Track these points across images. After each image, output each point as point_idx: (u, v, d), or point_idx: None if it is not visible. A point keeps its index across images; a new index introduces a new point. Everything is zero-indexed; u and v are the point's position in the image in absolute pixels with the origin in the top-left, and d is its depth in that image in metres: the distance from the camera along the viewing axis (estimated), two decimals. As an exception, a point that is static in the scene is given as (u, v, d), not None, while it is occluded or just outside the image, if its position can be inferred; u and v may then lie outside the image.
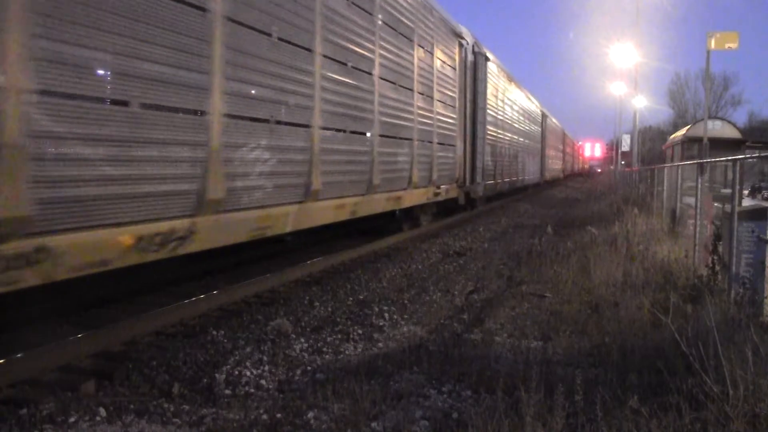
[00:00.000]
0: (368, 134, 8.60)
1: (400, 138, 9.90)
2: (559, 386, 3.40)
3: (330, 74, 7.25)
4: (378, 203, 9.05)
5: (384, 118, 9.09)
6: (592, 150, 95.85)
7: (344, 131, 7.83)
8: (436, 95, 11.99)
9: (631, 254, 8.49)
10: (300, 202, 6.67)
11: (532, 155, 28.22)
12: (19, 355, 4.23)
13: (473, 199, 16.28)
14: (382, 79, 9.00)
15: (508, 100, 21.54)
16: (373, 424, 3.55)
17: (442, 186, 12.46)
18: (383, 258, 9.64)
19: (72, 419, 3.62)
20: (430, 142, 11.61)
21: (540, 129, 31.99)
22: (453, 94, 13.43)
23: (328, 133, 7.29)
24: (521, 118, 24.90)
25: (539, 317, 6.03)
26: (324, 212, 7.28)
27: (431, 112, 11.66)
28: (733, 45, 16.34)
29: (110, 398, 3.94)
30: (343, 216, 7.85)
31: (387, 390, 4.02)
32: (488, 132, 16.80)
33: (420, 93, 10.92)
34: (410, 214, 12.15)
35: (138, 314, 5.44)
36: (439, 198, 12.48)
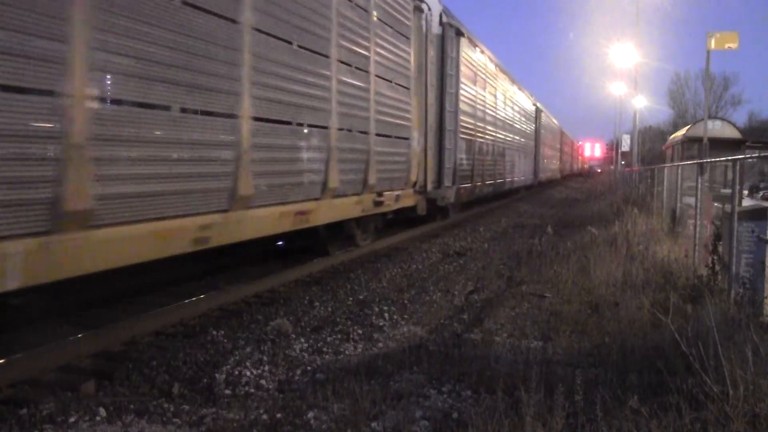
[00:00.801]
0: (235, 119, 5.55)
1: (302, 125, 6.77)
2: (559, 386, 3.40)
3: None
4: (257, 224, 5.94)
5: (265, 93, 5.98)
6: (592, 150, 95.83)
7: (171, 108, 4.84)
8: (375, 69, 8.74)
9: (631, 254, 8.49)
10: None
11: (523, 154, 25.55)
12: (19, 355, 4.24)
13: (444, 207, 13.60)
14: (258, 30, 5.78)
15: (492, 88, 18.31)
16: (373, 424, 3.55)
17: (387, 192, 9.24)
18: (383, 258, 9.64)
19: (72, 419, 3.62)
20: (365, 133, 8.46)
21: (533, 125, 29.30)
22: (405, 72, 10.09)
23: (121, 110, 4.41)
24: (510, 111, 22.06)
25: (539, 317, 6.03)
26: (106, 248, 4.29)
27: (365, 91, 8.47)
28: (733, 45, 16.33)
29: (110, 398, 3.94)
30: (175, 249, 4.94)
31: (387, 390, 4.02)
32: (463, 124, 14.12)
33: (343, 62, 7.69)
34: (342, 232, 8.99)
35: (138, 314, 5.44)
36: (384, 209, 9.34)
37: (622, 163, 53.19)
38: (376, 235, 10.37)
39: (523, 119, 25.73)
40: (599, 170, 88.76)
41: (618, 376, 4.06)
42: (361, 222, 9.35)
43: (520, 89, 24.92)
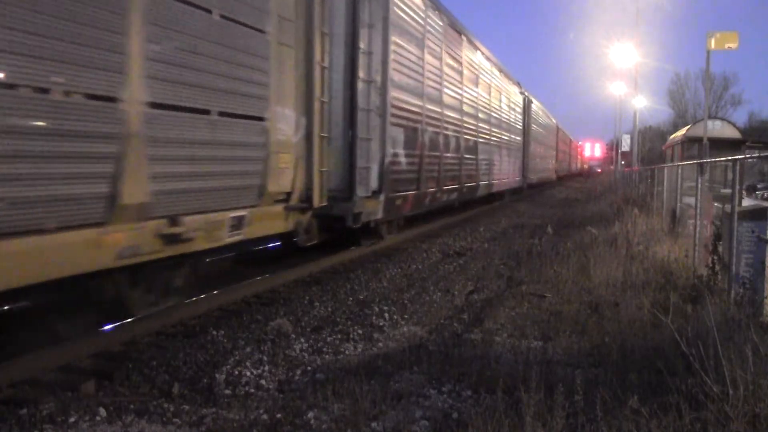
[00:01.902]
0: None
1: None
2: (559, 386, 3.40)
3: None
4: None
5: None
6: (592, 150, 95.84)
7: None
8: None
9: (631, 254, 8.49)
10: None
11: (507, 151, 20.81)
12: (19, 355, 4.24)
13: (369, 226, 9.05)
14: None
15: (454, 61, 13.42)
16: (373, 424, 3.55)
17: (200, 216, 5.15)
18: (383, 258, 9.64)
19: (72, 419, 3.62)
20: (107, 99, 4.23)
21: (521, 118, 24.44)
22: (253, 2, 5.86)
23: None
24: (485, 96, 17.03)
25: (539, 317, 6.03)
26: None
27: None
28: (733, 45, 16.33)
29: (110, 398, 3.94)
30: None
31: (387, 390, 4.01)
32: (399, 104, 9.54)
33: None
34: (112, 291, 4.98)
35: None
36: (187, 248, 5.06)
37: (622, 163, 53.19)
38: (180, 293, 5.65)
39: (507, 109, 20.92)
40: (599, 170, 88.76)
41: (618, 376, 4.06)
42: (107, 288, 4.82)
43: (501, 72, 19.95)
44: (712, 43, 16.29)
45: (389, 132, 9.24)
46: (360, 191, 8.26)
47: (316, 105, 6.97)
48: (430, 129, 11.59)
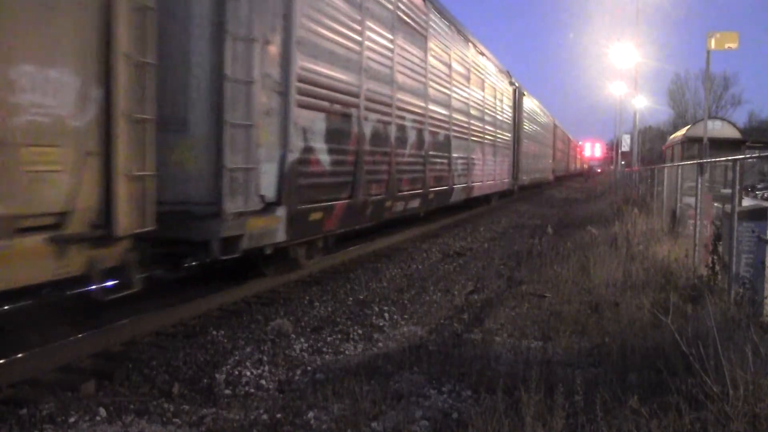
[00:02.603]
0: None
1: None
2: (559, 386, 3.40)
3: None
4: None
5: None
6: (592, 150, 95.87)
7: None
8: None
9: (631, 254, 8.49)
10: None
11: (491, 149, 17.47)
12: (19, 355, 4.24)
13: (267, 252, 6.33)
14: None
15: (417, 35, 10.40)
16: (373, 424, 3.55)
17: None
18: (383, 258, 9.64)
19: (72, 419, 3.62)
20: None
21: (511, 113, 21.29)
22: None
23: None
24: (462, 83, 13.87)
25: (539, 317, 6.03)
26: None
27: None
28: (733, 45, 16.34)
29: (110, 398, 3.94)
30: None
31: (387, 390, 4.01)
32: (313, 78, 6.71)
33: None
34: None
35: (138, 314, 5.43)
36: None
37: (622, 163, 53.19)
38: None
39: (492, 100, 17.61)
40: (599, 170, 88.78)
41: (618, 376, 4.06)
42: None
43: (485, 57, 16.70)
44: (712, 43, 16.30)
45: (296, 117, 6.29)
46: (231, 204, 5.35)
47: (121, 66, 4.17)
48: (374, 117, 8.41)
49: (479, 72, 15.83)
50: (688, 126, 24.98)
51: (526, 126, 25.49)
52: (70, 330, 4.79)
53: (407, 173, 9.92)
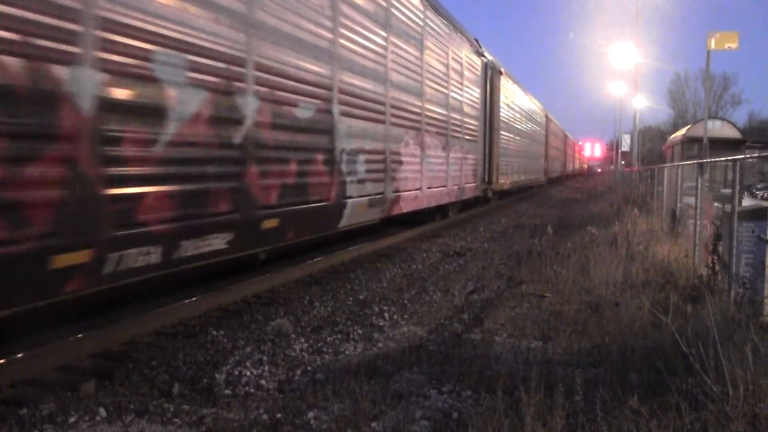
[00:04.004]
0: None
1: None
2: (559, 386, 3.40)
3: None
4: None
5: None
6: (592, 150, 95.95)
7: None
8: None
9: (631, 254, 8.49)
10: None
11: (440, 141, 12.21)
12: (19, 355, 4.24)
13: None
14: None
15: None
16: (373, 424, 3.55)
17: None
18: (383, 258, 9.64)
19: (72, 419, 3.62)
20: None
21: (479, 94, 15.84)
22: None
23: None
24: (359, 25, 8.20)
25: (539, 317, 6.03)
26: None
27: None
28: (733, 45, 16.35)
29: (110, 398, 3.94)
30: None
31: (387, 390, 4.01)
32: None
33: None
34: None
35: (138, 314, 5.44)
36: None
37: (622, 163, 53.17)
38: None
39: (440, 67, 12.30)
40: (599, 170, 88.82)
41: (618, 376, 4.06)
42: None
43: (426, 7, 11.50)
44: (712, 43, 16.31)
45: None
46: None
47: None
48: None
49: (407, 24, 10.18)
50: (688, 126, 24.99)
51: (506, 114, 20.19)
52: (70, 330, 4.79)
53: (163, 182, 4.66)
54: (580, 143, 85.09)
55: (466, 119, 14.38)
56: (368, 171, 8.48)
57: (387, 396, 3.91)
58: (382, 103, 9.04)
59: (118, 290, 6.09)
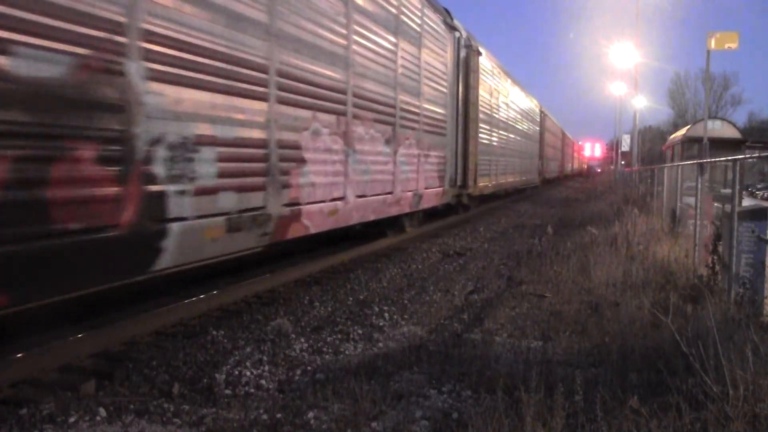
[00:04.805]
0: None
1: None
2: (559, 386, 3.40)
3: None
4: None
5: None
6: (592, 150, 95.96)
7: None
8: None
9: (631, 254, 8.49)
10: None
11: (382, 131, 8.78)
12: (19, 355, 4.24)
13: None
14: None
15: None
16: (373, 424, 3.55)
17: None
18: (383, 258, 9.64)
19: (72, 419, 3.62)
20: None
21: (451, 75, 12.75)
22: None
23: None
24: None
25: (539, 317, 6.03)
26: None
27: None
28: (733, 45, 16.35)
29: (110, 398, 3.94)
30: None
31: (387, 390, 4.01)
32: None
33: None
34: None
35: (138, 314, 5.44)
36: None
37: (622, 163, 53.17)
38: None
39: (388, 37, 8.99)
40: (599, 170, 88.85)
41: (618, 376, 4.06)
42: None
43: None
44: (712, 43, 16.31)
45: None
46: None
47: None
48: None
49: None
50: (688, 126, 24.99)
51: (487, 103, 16.75)
52: (70, 330, 4.80)
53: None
54: (580, 143, 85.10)
55: (427, 105, 10.94)
56: (226, 173, 5.19)
57: (387, 396, 3.91)
58: (260, 69, 5.63)
59: (118, 290, 6.10)
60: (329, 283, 7.67)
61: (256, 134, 5.66)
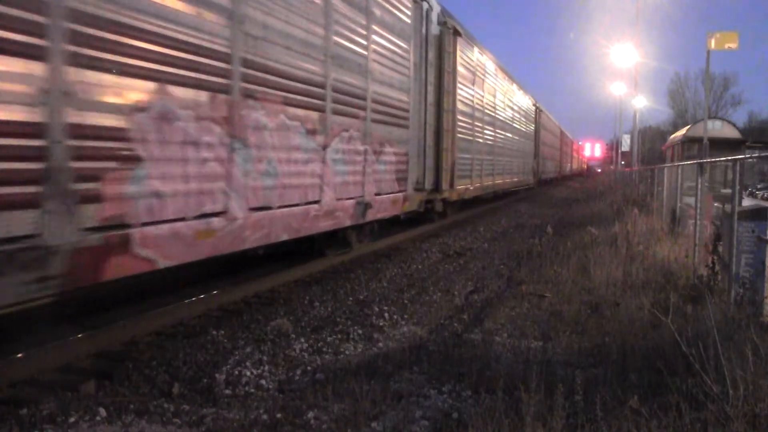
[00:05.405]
0: None
1: None
2: (559, 386, 3.39)
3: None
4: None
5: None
6: (592, 150, 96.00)
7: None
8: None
9: (631, 254, 8.49)
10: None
11: (312, 118, 6.67)
12: (19, 355, 4.24)
13: None
14: None
15: None
16: (373, 424, 3.55)
17: None
18: (383, 258, 9.64)
19: (72, 419, 3.62)
20: None
21: (416, 56, 10.28)
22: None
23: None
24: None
25: (539, 317, 6.03)
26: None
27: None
28: (733, 45, 16.35)
29: (110, 398, 3.94)
30: None
31: (387, 390, 4.01)
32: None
33: None
34: None
35: (138, 314, 5.44)
36: None
37: (622, 163, 53.17)
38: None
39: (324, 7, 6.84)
40: (599, 170, 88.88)
41: (618, 376, 4.06)
42: None
43: None
44: (712, 43, 16.32)
45: None
46: None
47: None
48: None
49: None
50: (688, 126, 25.01)
51: (468, 94, 14.45)
52: (70, 330, 4.80)
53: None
54: (580, 143, 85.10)
55: (379, 88, 8.66)
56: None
57: (387, 396, 3.91)
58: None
59: (118, 290, 6.10)
60: (329, 283, 7.67)
61: (17, 115, 3.45)
